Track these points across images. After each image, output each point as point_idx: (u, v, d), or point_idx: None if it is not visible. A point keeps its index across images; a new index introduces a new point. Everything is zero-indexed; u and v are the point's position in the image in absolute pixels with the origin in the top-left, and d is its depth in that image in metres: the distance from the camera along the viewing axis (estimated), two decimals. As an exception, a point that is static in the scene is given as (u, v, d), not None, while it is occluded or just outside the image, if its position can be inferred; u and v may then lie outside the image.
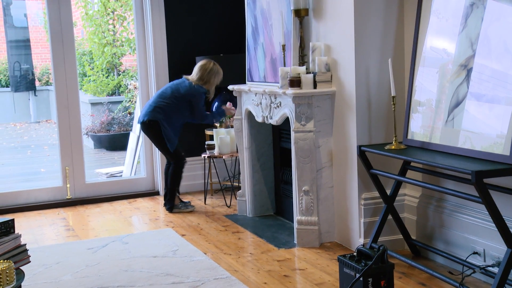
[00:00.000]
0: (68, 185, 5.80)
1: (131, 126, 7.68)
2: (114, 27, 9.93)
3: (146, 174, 6.14)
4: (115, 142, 9.33)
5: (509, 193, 3.11)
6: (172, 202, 5.33)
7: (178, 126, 5.28)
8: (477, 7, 3.26)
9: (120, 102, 9.86)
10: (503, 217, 3.01)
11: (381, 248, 2.93)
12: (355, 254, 3.06)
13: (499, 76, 3.08)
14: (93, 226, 5.08)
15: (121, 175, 7.01)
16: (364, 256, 3.03)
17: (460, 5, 3.38)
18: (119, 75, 10.29)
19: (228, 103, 5.47)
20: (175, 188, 5.33)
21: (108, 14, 9.80)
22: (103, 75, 10.20)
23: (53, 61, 5.72)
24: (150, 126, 5.22)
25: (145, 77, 6.02)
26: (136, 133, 6.84)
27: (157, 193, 6.07)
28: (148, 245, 4.39)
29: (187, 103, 5.20)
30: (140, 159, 6.56)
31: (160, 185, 6.04)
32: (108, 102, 9.81)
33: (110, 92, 10.19)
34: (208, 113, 5.35)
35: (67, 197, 5.80)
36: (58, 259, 4.13)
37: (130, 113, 9.40)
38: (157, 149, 6.00)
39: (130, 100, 9.64)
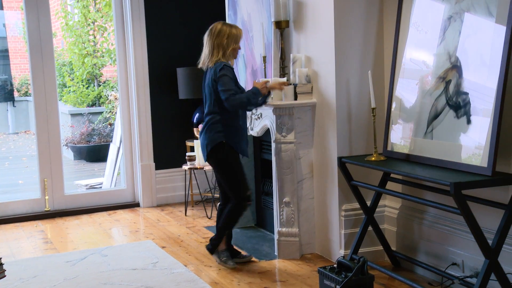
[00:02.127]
0: (46, 197, 5.73)
1: (111, 137, 7.63)
2: (95, 37, 9.89)
3: (127, 186, 6.09)
4: (95, 153, 9.26)
5: (487, 204, 3.14)
6: (216, 245, 4.13)
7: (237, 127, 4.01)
8: (455, 20, 3.30)
9: (101, 113, 9.80)
10: (481, 228, 3.03)
11: (361, 259, 2.93)
12: (335, 266, 3.06)
13: (476, 88, 3.11)
14: (72, 238, 5.02)
15: (100, 187, 6.95)
16: (344, 267, 3.03)
17: (439, 18, 3.42)
18: (100, 86, 10.23)
19: (264, 80, 4.05)
20: (225, 230, 4.10)
21: (89, 24, 9.76)
22: (83, 86, 10.13)
23: (32, 71, 5.67)
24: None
25: (125, 88, 5.99)
26: (116, 144, 6.79)
27: (137, 205, 6.03)
28: (128, 257, 4.35)
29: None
30: (120, 171, 6.51)
31: (140, 196, 5.99)
32: (88, 113, 9.75)
33: (90, 103, 10.12)
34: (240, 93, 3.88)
35: (45, 209, 5.73)
36: (35, 273, 4.07)
37: (110, 124, 9.34)
38: (138, 161, 5.97)
39: (110, 111, 9.59)
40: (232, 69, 3.91)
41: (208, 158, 3.99)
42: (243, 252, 4.27)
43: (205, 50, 3.96)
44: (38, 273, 4.07)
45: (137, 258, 4.32)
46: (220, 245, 4.12)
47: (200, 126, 5.58)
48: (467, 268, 3.41)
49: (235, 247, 4.26)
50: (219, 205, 4.23)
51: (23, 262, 4.32)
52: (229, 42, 3.91)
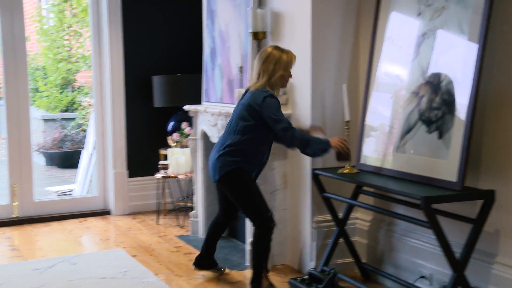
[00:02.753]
0: (15, 203, 5.63)
1: (84, 143, 7.55)
2: (70, 42, 9.80)
3: (98, 193, 6.03)
4: (67, 159, 9.15)
5: (455, 219, 3.19)
6: (259, 286, 3.67)
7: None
8: (429, 37, 3.36)
9: (74, 119, 9.70)
10: (450, 241, 3.07)
11: (331, 271, 2.95)
12: (306, 277, 3.07)
13: (448, 104, 3.17)
14: (41, 246, 4.94)
15: (71, 194, 6.86)
16: (315, 279, 3.04)
17: (413, 34, 3.48)
18: (74, 91, 10.13)
19: (341, 137, 3.65)
20: (261, 265, 3.66)
21: (64, 29, 9.68)
22: (57, 91, 10.02)
23: (4, 75, 5.59)
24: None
25: (100, 94, 5.95)
26: (89, 151, 6.73)
27: (109, 213, 5.97)
28: (98, 265, 4.30)
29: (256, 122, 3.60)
30: (92, 178, 6.44)
31: (112, 204, 5.93)
32: (61, 118, 9.64)
33: (64, 108, 10.02)
34: (303, 134, 3.54)
35: (13, 215, 5.63)
36: (1, 281, 3.99)
37: (83, 131, 9.25)
38: (111, 168, 5.92)
39: (84, 117, 9.50)
40: (278, 101, 3.58)
41: (220, 182, 3.66)
42: (220, 265, 4.20)
43: (253, 74, 3.69)
44: (4, 281, 3.99)
45: (107, 266, 4.28)
46: (264, 282, 3.68)
47: (176, 135, 5.60)
48: (435, 281, 3.45)
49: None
50: (215, 219, 4.01)
51: (-10, 269, 4.25)
52: (277, 68, 3.59)
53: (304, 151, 3.53)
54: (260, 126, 3.58)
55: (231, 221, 4.01)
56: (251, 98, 3.58)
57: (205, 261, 4.06)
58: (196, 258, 4.08)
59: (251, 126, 3.57)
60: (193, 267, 4.08)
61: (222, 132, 4.53)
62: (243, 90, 4.21)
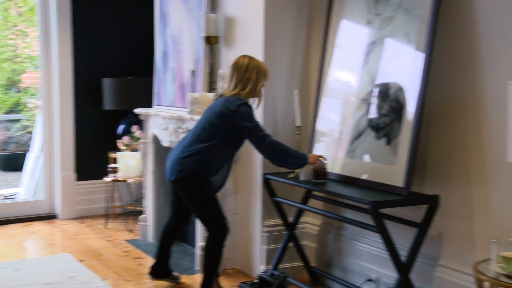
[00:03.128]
0: (-43, 206, 5.46)
1: (30, 146, 7.36)
2: (15, 42, 9.54)
3: (45, 197, 5.90)
4: (11, 162, 8.90)
5: (401, 223, 3.28)
6: None
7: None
8: (378, 45, 3.45)
9: (19, 120, 9.44)
10: (396, 245, 3.16)
11: (281, 275, 2.98)
12: (256, 281, 3.10)
13: (395, 111, 3.26)
14: (-17, 250, 4.80)
15: (15, 197, 6.69)
16: (265, 283, 3.07)
17: (363, 42, 3.57)
18: (19, 92, 9.87)
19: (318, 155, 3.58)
20: (212, 270, 3.64)
21: (8, 28, 9.42)
22: (1, 91, 9.74)
23: None
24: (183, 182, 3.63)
25: (48, 96, 5.83)
26: (35, 153, 6.57)
27: (55, 217, 5.84)
28: (42, 271, 4.20)
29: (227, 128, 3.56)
30: (39, 181, 6.30)
31: (59, 208, 5.81)
32: (6, 120, 9.37)
33: (8, 109, 9.74)
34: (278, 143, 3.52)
35: (-45, 219, 5.46)
36: None
37: (29, 133, 9.02)
38: (58, 171, 5.80)
39: (29, 119, 9.26)
40: (253, 110, 3.56)
41: (177, 183, 3.60)
42: (175, 273, 4.16)
43: (230, 82, 3.61)
44: None
45: (53, 272, 4.19)
46: (214, 287, 3.67)
47: (126, 138, 5.54)
48: (382, 284, 3.54)
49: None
50: (167, 224, 3.94)
51: None
52: (259, 77, 3.57)
53: (280, 162, 3.48)
54: (229, 133, 3.54)
55: (183, 225, 3.98)
56: (224, 105, 3.52)
57: (161, 269, 3.98)
58: (152, 267, 3.99)
59: (219, 133, 3.53)
60: (149, 276, 3.99)
61: (173, 136, 4.53)
62: (197, 95, 4.22)
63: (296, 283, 3.79)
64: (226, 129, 3.52)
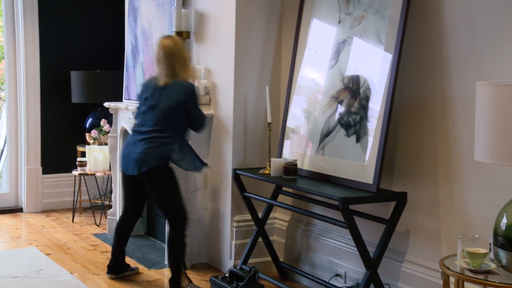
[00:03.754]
0: None
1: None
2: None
3: (9, 190, 5.80)
4: (-27, 154, 8.69)
5: (370, 219, 3.34)
6: (179, 283, 3.68)
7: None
8: (348, 44, 3.51)
9: (-18, 112, 9.23)
10: (365, 241, 3.22)
11: (252, 269, 3.02)
12: (227, 275, 3.12)
13: (365, 110, 3.32)
14: None
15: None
16: (236, 277, 3.10)
17: (333, 40, 3.61)
18: (-18, 83, 9.65)
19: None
20: (179, 261, 3.69)
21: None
22: (-36, 82, 9.51)
23: None
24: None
25: (13, 87, 5.73)
26: (-1, 146, 6.45)
27: (20, 210, 5.76)
28: (8, 264, 4.15)
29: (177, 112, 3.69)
30: (2, 173, 6.19)
31: (24, 201, 5.72)
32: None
33: (-29, 100, 9.51)
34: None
35: None
36: None
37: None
38: (24, 164, 5.71)
39: (-6, 111, 9.06)
40: None
41: (146, 174, 3.62)
42: (132, 265, 4.17)
43: (164, 69, 3.67)
44: None
45: (19, 265, 4.14)
46: (183, 281, 3.69)
47: (94, 132, 5.49)
48: (349, 279, 3.61)
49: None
50: (121, 219, 3.96)
51: None
52: (189, 54, 3.76)
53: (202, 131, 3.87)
54: (185, 119, 3.69)
55: (137, 219, 3.99)
56: (181, 91, 3.63)
57: (119, 264, 3.98)
58: (108, 266, 3.98)
59: (180, 118, 3.65)
60: (108, 275, 3.97)
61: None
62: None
63: (265, 278, 3.82)
64: (184, 114, 3.67)
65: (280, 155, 3.88)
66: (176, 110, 3.64)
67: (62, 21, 5.78)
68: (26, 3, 5.57)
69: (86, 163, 5.36)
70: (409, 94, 3.27)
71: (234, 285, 3.01)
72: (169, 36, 3.80)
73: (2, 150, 6.26)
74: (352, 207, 3.28)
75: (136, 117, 3.85)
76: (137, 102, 3.90)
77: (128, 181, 3.85)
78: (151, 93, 3.74)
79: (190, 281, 3.75)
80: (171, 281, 3.70)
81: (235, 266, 3.74)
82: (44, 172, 5.78)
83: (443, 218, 3.12)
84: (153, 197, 3.78)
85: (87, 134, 5.58)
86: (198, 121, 3.75)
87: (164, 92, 3.67)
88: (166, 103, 3.65)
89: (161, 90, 3.70)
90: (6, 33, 5.68)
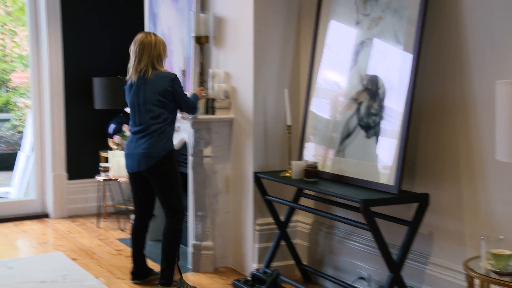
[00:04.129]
0: None
1: (20, 145, 7.35)
2: (4, 41, 9.49)
3: (36, 196, 5.90)
4: (1, 161, 8.86)
5: (392, 221, 3.32)
6: (171, 276, 3.81)
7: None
8: (367, 45, 3.49)
9: (8, 120, 9.41)
10: (388, 243, 3.20)
11: (274, 273, 3.02)
12: (249, 278, 3.13)
13: (385, 111, 3.30)
14: (-25, 250, 4.80)
15: (6, 197, 6.67)
16: (258, 280, 3.10)
17: (351, 42, 3.59)
18: (8, 91, 9.83)
19: (200, 87, 4.30)
20: (176, 254, 3.84)
21: (-3, 28, 9.37)
22: (-9, 91, 9.69)
23: None
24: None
25: (38, 95, 5.82)
26: (26, 153, 6.56)
27: (47, 216, 5.84)
28: (36, 269, 4.21)
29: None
30: (30, 180, 6.29)
31: (51, 207, 5.81)
32: (-5, 119, 9.33)
33: (-2, 109, 9.69)
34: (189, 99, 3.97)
35: None
36: None
37: (19, 132, 8.99)
38: (49, 170, 5.79)
39: (19, 119, 9.23)
40: None
41: (154, 168, 3.74)
42: (156, 269, 4.18)
43: (141, 63, 3.76)
44: None
45: (46, 270, 4.20)
46: (175, 274, 3.81)
47: (117, 137, 5.54)
48: (373, 281, 3.58)
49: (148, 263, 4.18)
50: (134, 223, 4.00)
51: None
52: (165, 53, 3.85)
53: (193, 112, 3.98)
54: (174, 106, 3.82)
55: (149, 220, 4.04)
56: (164, 82, 3.75)
57: (142, 270, 4.02)
58: (132, 272, 4.02)
59: (169, 108, 3.77)
60: (133, 281, 4.00)
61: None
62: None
63: (288, 281, 3.82)
64: (171, 103, 3.79)
65: (300, 157, 3.88)
66: (164, 98, 3.75)
67: (84, 29, 5.85)
68: (49, 13, 5.65)
69: (109, 169, 5.42)
70: (429, 94, 3.24)
71: (256, 289, 3.02)
72: (147, 32, 3.89)
73: (29, 157, 6.37)
74: (374, 209, 3.27)
75: (130, 121, 3.92)
76: (128, 106, 3.93)
77: (134, 180, 3.93)
78: (135, 92, 3.82)
79: (182, 276, 3.84)
80: (162, 272, 3.79)
81: (257, 270, 3.74)
82: (69, 178, 5.85)
83: (467, 219, 3.08)
84: (156, 190, 3.85)
85: (110, 139, 5.64)
86: (189, 105, 3.88)
87: (148, 85, 3.76)
88: (154, 95, 3.74)
89: (143, 84, 3.78)
90: (31, 42, 5.77)
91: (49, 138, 5.75)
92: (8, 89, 9.82)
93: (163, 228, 3.86)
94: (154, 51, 3.77)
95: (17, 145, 8.74)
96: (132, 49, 3.82)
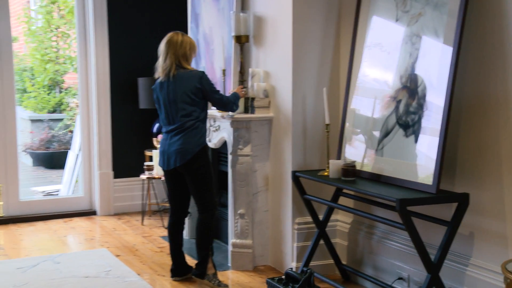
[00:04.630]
0: (0, 203, 5.65)
1: (71, 144, 7.57)
2: (57, 44, 9.80)
3: (84, 194, 6.06)
4: (54, 160, 9.15)
5: (431, 221, 3.25)
6: (205, 269, 3.91)
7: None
8: (406, 42, 3.43)
9: (61, 120, 9.70)
10: (427, 243, 3.13)
11: (308, 271, 3.00)
12: (283, 277, 3.12)
13: (424, 109, 3.23)
14: (25, 245, 4.97)
15: (57, 194, 6.88)
16: (292, 279, 3.09)
17: (391, 39, 3.54)
18: (61, 92, 10.14)
19: (239, 86, 4.35)
20: (210, 248, 3.92)
21: (52, 30, 9.68)
22: (45, 92, 10.02)
23: (-10, 76, 5.61)
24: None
25: (85, 95, 5.98)
26: (75, 152, 6.75)
27: (94, 213, 6.00)
28: (81, 265, 4.33)
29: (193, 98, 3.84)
30: (78, 178, 6.47)
31: (98, 204, 5.96)
32: (49, 119, 9.64)
33: (51, 109, 10.01)
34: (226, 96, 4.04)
35: (-1, 215, 5.66)
36: (-15, 279, 4.03)
37: (71, 131, 9.25)
38: (96, 169, 5.93)
39: (71, 118, 9.50)
40: None
41: (189, 163, 3.81)
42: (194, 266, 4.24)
43: (167, 61, 3.84)
44: (-12, 279, 4.03)
45: (90, 266, 4.31)
46: (209, 268, 3.89)
47: (161, 136, 5.62)
48: (412, 282, 3.52)
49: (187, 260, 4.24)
50: (170, 221, 4.06)
51: (-27, 268, 4.27)
52: (191, 53, 3.90)
53: (232, 109, 4.01)
54: (205, 103, 3.89)
55: (184, 217, 4.10)
56: (192, 80, 3.80)
57: (180, 267, 4.07)
58: (171, 269, 4.08)
59: (200, 105, 3.84)
60: (172, 278, 4.07)
61: (207, 132, 4.57)
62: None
63: (327, 281, 3.80)
64: (201, 100, 3.85)
65: (339, 156, 3.84)
66: (195, 96, 3.80)
67: (129, 30, 5.97)
68: (96, 14, 5.80)
69: (153, 167, 5.51)
70: (470, 91, 3.16)
71: (290, 287, 3.00)
72: (175, 32, 3.92)
73: (78, 155, 6.55)
74: (412, 208, 3.21)
75: (162, 120, 3.97)
76: (157, 106, 3.98)
77: (170, 177, 3.99)
78: (166, 91, 3.86)
79: (216, 271, 3.90)
80: (197, 265, 3.89)
81: (291, 268, 3.72)
82: (115, 176, 5.99)
83: (509, 219, 2.99)
84: (190, 185, 3.89)
85: (154, 138, 5.73)
86: (223, 102, 3.91)
87: (177, 84, 3.82)
88: (184, 93, 3.80)
89: (173, 83, 3.83)
90: (79, 44, 5.93)
91: (96, 137, 5.90)
92: (62, 89, 10.13)
93: (196, 223, 3.92)
94: (180, 50, 3.83)
95: (69, 144, 9.01)
96: (160, 48, 3.89)
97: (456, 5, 3.09)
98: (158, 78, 3.94)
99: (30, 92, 10.09)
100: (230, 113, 4.16)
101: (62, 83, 10.13)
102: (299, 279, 2.99)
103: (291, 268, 3.62)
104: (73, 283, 3.95)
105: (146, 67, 6.00)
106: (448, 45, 3.11)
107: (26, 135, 9.47)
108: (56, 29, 9.73)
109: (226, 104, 3.96)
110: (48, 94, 10.03)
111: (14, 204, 5.73)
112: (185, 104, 3.81)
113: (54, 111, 10.03)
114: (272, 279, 3.15)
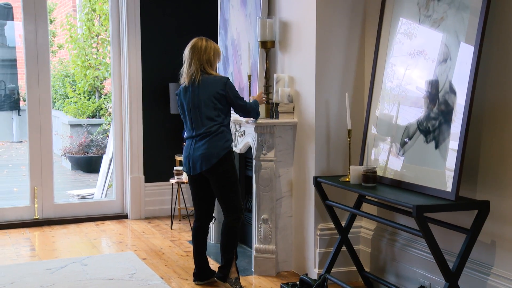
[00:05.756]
0: (36, 205, 5.81)
1: (106, 149, 7.73)
2: (98, 50, 10.03)
3: (116, 197, 6.17)
4: (92, 164, 9.35)
5: (450, 228, 3.18)
6: (228, 272, 3.96)
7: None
8: (429, 47, 3.37)
9: (100, 124, 9.91)
10: (446, 251, 3.07)
11: (321, 277, 2.98)
12: (297, 282, 3.11)
13: (445, 114, 3.17)
14: (56, 247, 5.09)
15: (92, 197, 7.02)
16: (306, 285, 3.08)
17: (414, 44, 3.49)
18: (100, 98, 10.37)
19: (259, 91, 4.40)
20: (234, 252, 3.96)
21: (92, 37, 9.92)
22: (85, 97, 10.27)
23: (27, 81, 5.78)
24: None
25: (119, 100, 6.09)
26: (109, 156, 6.88)
27: (126, 217, 6.10)
28: (107, 267, 4.41)
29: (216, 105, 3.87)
30: (112, 182, 6.59)
31: (129, 208, 6.05)
32: (88, 124, 9.87)
33: (91, 114, 10.25)
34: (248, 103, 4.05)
35: (34, 217, 5.81)
36: (13, 279, 4.13)
37: (108, 136, 9.44)
38: (128, 173, 6.03)
39: (109, 124, 9.70)
40: None
41: (215, 167, 3.83)
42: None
43: (192, 67, 3.87)
44: (16, 279, 4.13)
45: (116, 268, 4.38)
46: (232, 272, 3.95)
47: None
48: (434, 291, 3.45)
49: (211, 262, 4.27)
50: (195, 225, 4.07)
51: (3, 269, 4.39)
52: (215, 58, 3.94)
53: (255, 116, 4.05)
54: (228, 108, 3.91)
55: (209, 221, 4.12)
56: (217, 86, 3.83)
57: (203, 271, 4.08)
58: (194, 273, 4.11)
59: (224, 111, 3.87)
60: (195, 282, 4.09)
61: (234, 137, 4.59)
62: (251, 98, 4.26)
63: (347, 288, 3.75)
64: (224, 106, 3.87)
65: (361, 162, 3.81)
66: (218, 102, 3.83)
67: (161, 36, 6.06)
68: (129, 21, 5.91)
69: (183, 172, 5.57)
70: (492, 96, 3.09)
71: (304, 293, 2.99)
72: (200, 38, 3.96)
73: (111, 160, 6.67)
74: (433, 215, 3.15)
75: (186, 126, 4.01)
76: (180, 111, 4.03)
77: (195, 181, 4.01)
78: (190, 96, 3.89)
79: (239, 276, 3.94)
80: (220, 268, 3.94)
81: (306, 274, 3.69)
82: (146, 181, 6.07)
83: (532, 228, 2.90)
84: (216, 189, 3.91)
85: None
86: (246, 110, 3.95)
87: (201, 89, 3.85)
88: (208, 98, 3.83)
89: (197, 88, 3.86)
90: (113, 50, 6.06)
91: (128, 142, 6.00)
92: (101, 95, 10.36)
93: (221, 227, 3.93)
94: (204, 56, 3.86)
95: (105, 148, 9.18)
96: (185, 54, 3.93)
97: (478, 7, 3.03)
98: (182, 83, 3.97)
99: (71, 97, 10.35)
100: (253, 120, 4.17)
101: (102, 89, 10.36)
102: (312, 285, 2.97)
103: (306, 274, 3.60)
104: (97, 285, 4.02)
105: (177, 72, 6.00)
106: (469, 44, 3.04)
107: (65, 139, 9.71)
108: (97, 36, 9.97)
109: (249, 111, 3.99)
110: (88, 99, 10.27)
111: (49, 206, 5.88)
112: (209, 109, 3.85)
113: (93, 116, 10.26)
114: (286, 284, 3.14)
